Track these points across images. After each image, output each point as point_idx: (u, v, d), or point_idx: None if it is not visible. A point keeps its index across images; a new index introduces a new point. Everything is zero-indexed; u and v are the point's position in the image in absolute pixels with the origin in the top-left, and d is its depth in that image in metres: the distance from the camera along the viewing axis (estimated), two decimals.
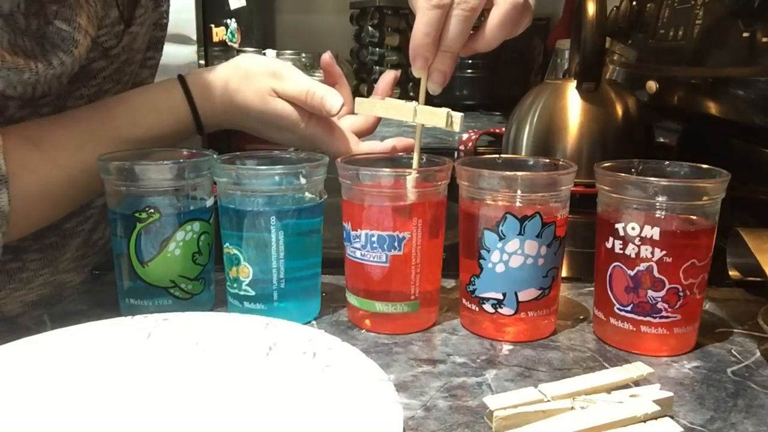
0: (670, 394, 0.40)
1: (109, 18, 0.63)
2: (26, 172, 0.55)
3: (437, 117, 0.50)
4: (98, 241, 0.74)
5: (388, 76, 0.68)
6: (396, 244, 0.49)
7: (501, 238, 0.48)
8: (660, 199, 0.45)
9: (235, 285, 0.51)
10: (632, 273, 0.46)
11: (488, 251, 0.48)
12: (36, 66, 0.55)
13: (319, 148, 0.64)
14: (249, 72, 0.62)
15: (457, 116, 0.49)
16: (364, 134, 0.69)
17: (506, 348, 0.49)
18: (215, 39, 1.59)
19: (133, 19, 0.66)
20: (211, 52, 1.57)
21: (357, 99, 0.55)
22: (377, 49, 1.77)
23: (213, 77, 0.63)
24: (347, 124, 0.68)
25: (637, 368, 0.42)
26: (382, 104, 0.53)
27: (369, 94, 1.78)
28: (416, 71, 0.51)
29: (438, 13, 0.48)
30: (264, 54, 1.66)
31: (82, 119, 0.59)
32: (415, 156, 0.52)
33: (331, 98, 0.60)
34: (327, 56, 0.68)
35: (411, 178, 0.49)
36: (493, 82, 1.72)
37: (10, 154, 0.53)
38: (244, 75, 0.62)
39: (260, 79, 0.62)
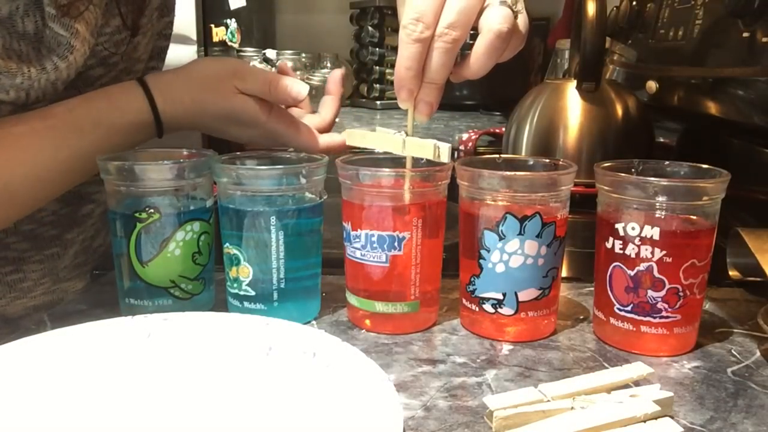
0: (670, 394, 0.40)
1: (110, 27, 0.62)
2: None
3: (425, 149, 0.50)
4: (99, 248, 0.74)
5: (336, 75, 0.69)
6: (396, 244, 0.49)
7: (501, 238, 0.48)
8: (660, 199, 0.45)
9: (235, 285, 0.51)
10: (632, 273, 0.46)
11: (488, 251, 0.48)
12: (29, 70, 0.54)
13: (282, 143, 0.64)
14: (209, 72, 0.63)
15: (445, 147, 0.49)
16: (322, 132, 0.69)
17: (506, 348, 0.49)
18: (215, 39, 1.59)
19: (138, 28, 0.66)
20: (211, 52, 1.57)
21: (347, 131, 0.55)
22: (377, 49, 1.77)
23: (173, 78, 0.63)
24: (308, 122, 0.68)
25: (637, 368, 0.42)
26: (372, 136, 0.54)
27: (369, 93, 1.78)
28: (402, 103, 0.51)
29: (419, 47, 0.48)
30: (264, 54, 1.66)
31: (46, 119, 0.59)
32: (408, 159, 0.52)
33: (296, 85, 0.61)
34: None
35: (405, 178, 0.49)
36: (493, 82, 1.71)
37: None
38: (205, 75, 0.63)
39: (222, 77, 0.62)
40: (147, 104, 0.61)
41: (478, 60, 0.49)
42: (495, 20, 0.48)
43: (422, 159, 0.52)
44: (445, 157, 0.49)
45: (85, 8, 0.56)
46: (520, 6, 0.51)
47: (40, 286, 0.68)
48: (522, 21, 0.51)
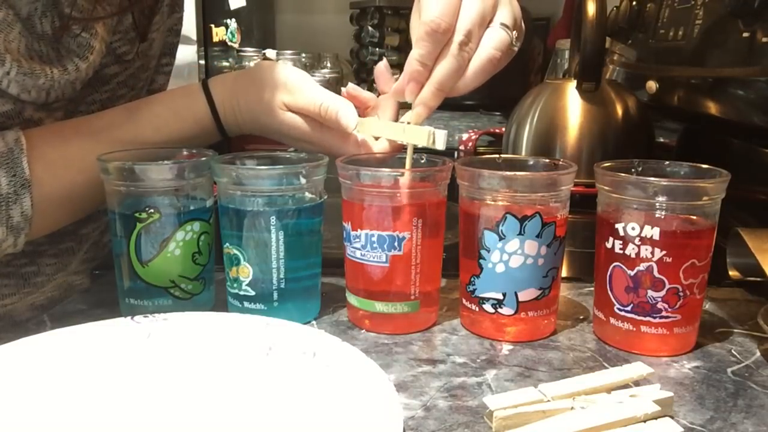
0: (670, 394, 0.40)
1: (123, 25, 0.63)
2: (51, 177, 0.55)
3: (420, 135, 0.51)
4: (108, 243, 0.74)
5: (380, 69, 0.60)
6: (396, 244, 0.49)
7: (501, 238, 0.48)
8: (660, 199, 0.45)
9: (235, 285, 0.51)
10: (632, 273, 0.46)
11: (488, 251, 0.48)
12: (51, 71, 0.55)
13: (337, 155, 0.60)
14: (263, 82, 0.60)
15: (440, 134, 0.50)
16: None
17: (506, 348, 0.49)
18: (215, 39, 1.59)
19: (148, 30, 0.66)
20: (211, 52, 1.57)
21: (359, 120, 0.56)
22: (377, 49, 1.77)
23: (233, 85, 0.62)
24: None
25: (637, 368, 0.42)
26: (378, 124, 0.56)
27: None
28: (410, 95, 0.53)
29: (436, 46, 0.50)
30: (264, 54, 1.66)
31: (104, 124, 0.59)
32: (408, 158, 0.52)
33: (347, 114, 0.57)
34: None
35: (404, 178, 0.49)
36: (493, 82, 1.72)
37: (35, 159, 0.54)
38: (259, 85, 0.60)
39: (271, 91, 0.60)
40: (208, 111, 0.60)
41: (466, 80, 0.52)
42: (491, 44, 0.51)
43: (421, 159, 0.52)
44: (439, 144, 0.50)
45: (104, 11, 0.57)
46: (519, 28, 0.52)
47: (53, 281, 0.68)
48: (515, 39, 0.53)
